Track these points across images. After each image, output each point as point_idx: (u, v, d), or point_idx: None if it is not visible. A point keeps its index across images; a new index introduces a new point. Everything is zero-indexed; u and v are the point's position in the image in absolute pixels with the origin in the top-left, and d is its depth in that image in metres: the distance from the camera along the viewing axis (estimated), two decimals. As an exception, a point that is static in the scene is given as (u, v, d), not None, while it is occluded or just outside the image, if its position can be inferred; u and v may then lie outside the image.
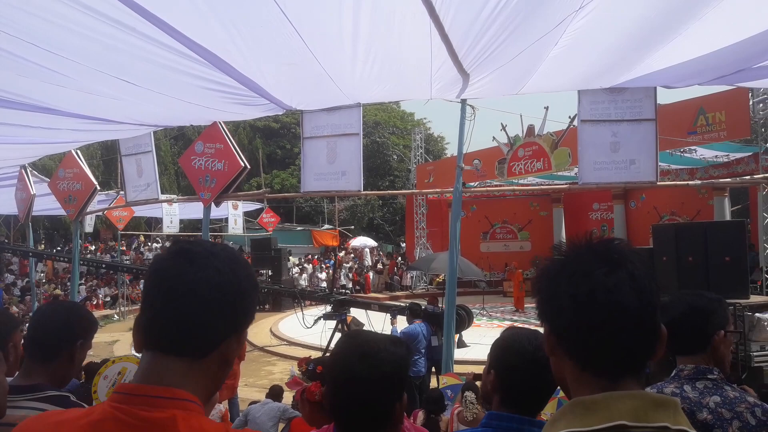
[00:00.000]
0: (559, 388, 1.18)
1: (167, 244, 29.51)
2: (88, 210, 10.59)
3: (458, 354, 8.98)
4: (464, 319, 8.99)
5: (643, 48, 4.71)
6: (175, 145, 35.83)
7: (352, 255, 29.88)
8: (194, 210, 18.30)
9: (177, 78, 4.96)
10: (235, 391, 7.18)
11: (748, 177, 11.78)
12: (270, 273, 19.56)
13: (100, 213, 18.52)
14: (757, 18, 3.90)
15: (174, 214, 19.92)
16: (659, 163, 6.72)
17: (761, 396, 3.84)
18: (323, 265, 26.84)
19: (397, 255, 30.60)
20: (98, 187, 10.35)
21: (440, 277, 20.68)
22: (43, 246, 28.60)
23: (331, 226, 35.08)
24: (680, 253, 6.90)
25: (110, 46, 4.06)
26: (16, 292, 20.20)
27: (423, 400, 6.06)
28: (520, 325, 2.07)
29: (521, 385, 1.60)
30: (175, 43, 4.02)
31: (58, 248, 29.42)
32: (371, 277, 25.06)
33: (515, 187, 18.67)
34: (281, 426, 5.59)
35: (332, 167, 7.36)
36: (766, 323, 6.50)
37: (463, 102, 6.77)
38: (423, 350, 8.04)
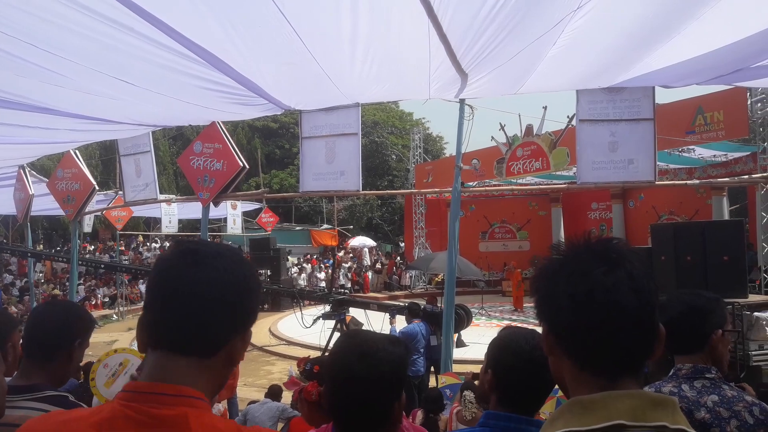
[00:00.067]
0: (557, 387, 1.19)
1: (166, 244, 29.52)
2: (86, 210, 10.58)
3: (457, 353, 8.98)
4: (463, 319, 9.00)
5: (641, 48, 4.72)
6: (174, 145, 35.80)
7: (351, 255, 29.89)
8: (193, 210, 18.30)
9: (175, 78, 4.96)
10: (234, 390, 7.18)
11: (746, 176, 11.80)
12: (269, 273, 19.56)
13: (98, 213, 18.51)
14: (755, 18, 3.90)
15: (173, 214, 19.92)
16: (658, 163, 6.73)
17: (760, 395, 3.85)
18: (322, 265, 26.84)
19: (396, 254, 30.61)
20: (97, 187, 10.33)
21: (439, 276, 20.67)
22: (41, 246, 28.59)
23: (330, 226, 35.10)
24: (679, 253, 6.91)
25: (109, 46, 4.06)
26: (15, 292, 20.18)
27: (422, 399, 6.06)
28: (519, 325, 2.07)
29: (518, 385, 1.60)
30: (173, 43, 4.02)
31: (57, 248, 29.40)
32: (370, 276, 25.06)
33: (514, 187, 18.69)
34: (280, 425, 5.59)
35: (331, 167, 7.35)
36: (764, 322, 6.51)
37: (462, 102, 6.77)
38: (422, 350, 8.05)
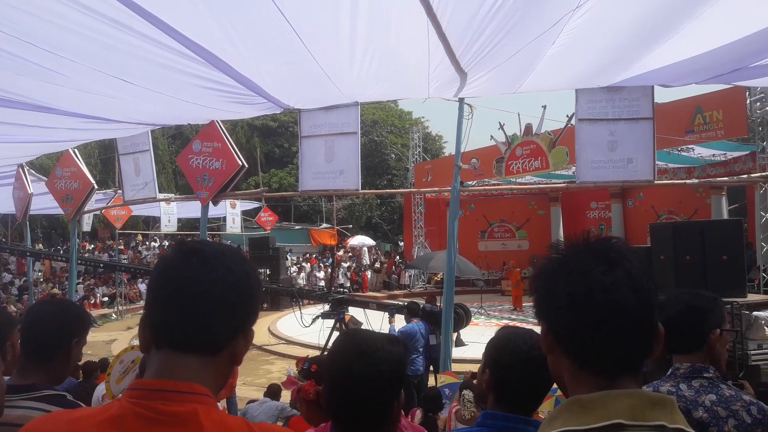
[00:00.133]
0: (556, 386, 1.19)
1: (165, 243, 29.52)
2: (85, 209, 10.59)
3: (456, 353, 8.99)
4: (462, 318, 8.99)
5: (640, 47, 4.72)
6: (173, 144, 35.78)
7: (350, 254, 29.89)
8: (192, 209, 18.30)
9: (175, 77, 4.96)
10: (233, 389, 7.18)
11: (745, 176, 11.80)
12: (268, 272, 19.55)
13: (97, 212, 18.50)
14: (754, 17, 3.91)
15: (172, 213, 19.91)
16: (657, 162, 6.73)
17: (758, 394, 3.85)
18: (321, 264, 26.84)
19: (395, 254, 30.63)
20: (96, 186, 10.33)
21: (438, 275, 20.67)
22: (40, 245, 28.55)
23: (329, 225, 35.08)
24: (678, 252, 6.92)
25: (108, 45, 4.06)
26: (14, 291, 20.18)
27: (421, 398, 6.06)
28: (518, 324, 2.07)
29: (516, 385, 1.60)
30: (172, 42, 4.02)
31: (57, 247, 29.39)
32: (369, 276, 25.07)
33: (513, 186, 18.70)
34: (279, 424, 5.59)
35: (330, 166, 7.36)
36: (763, 322, 6.51)
37: (461, 101, 6.77)
38: (421, 349, 8.05)
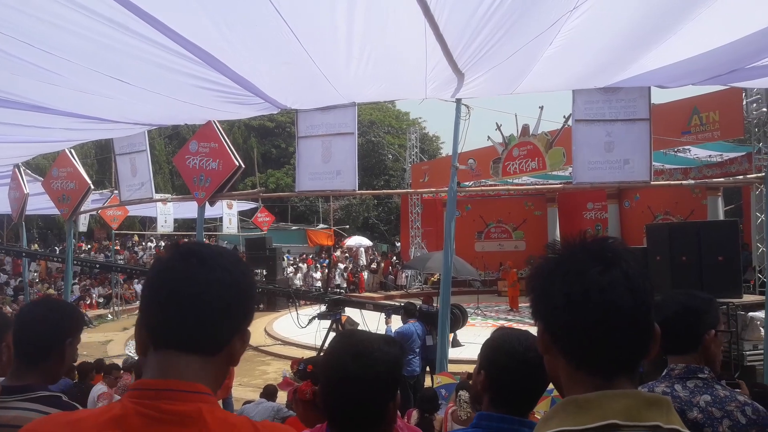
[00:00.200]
0: (552, 386, 1.19)
1: (162, 243, 29.46)
2: (82, 209, 10.57)
3: (452, 353, 9.01)
4: (459, 319, 9.01)
5: (637, 48, 4.73)
6: (170, 144, 35.72)
7: (347, 255, 29.88)
8: (189, 209, 18.26)
9: (171, 77, 4.95)
10: (229, 390, 7.18)
11: (741, 177, 11.83)
12: (265, 272, 19.54)
13: (94, 212, 18.48)
14: (751, 18, 3.92)
15: (168, 213, 19.88)
16: (653, 163, 6.75)
17: (753, 395, 3.86)
18: (318, 265, 26.83)
19: (392, 254, 30.60)
20: (92, 186, 10.32)
21: (435, 276, 20.68)
22: (36, 245, 28.48)
23: (326, 226, 35.04)
24: (674, 253, 6.95)
25: (105, 45, 4.05)
26: (9, 292, 20.12)
27: (417, 399, 6.06)
28: (514, 325, 2.07)
29: (511, 386, 1.60)
30: (169, 41, 4.01)
31: (54, 247, 29.30)
32: (365, 276, 25.06)
33: (510, 187, 18.72)
34: (276, 425, 5.57)
35: (327, 166, 7.36)
36: (758, 322, 6.53)
37: (458, 101, 6.78)
38: (417, 350, 8.05)
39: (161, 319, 1.08)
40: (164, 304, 1.07)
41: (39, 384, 1.84)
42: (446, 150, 41.15)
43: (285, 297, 16.26)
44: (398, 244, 31.45)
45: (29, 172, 11.90)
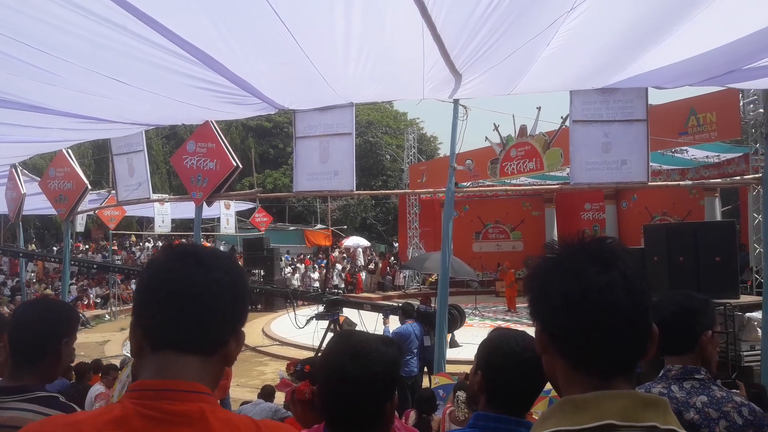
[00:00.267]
0: (549, 386, 1.19)
1: (159, 243, 29.41)
2: (79, 209, 10.55)
3: (450, 354, 9.00)
4: (456, 319, 9.02)
5: (634, 49, 4.73)
6: (167, 145, 35.67)
7: (345, 255, 29.86)
8: (186, 209, 18.24)
9: (169, 77, 4.94)
10: (226, 391, 7.16)
11: (738, 177, 11.87)
12: (262, 273, 19.52)
13: (91, 212, 18.44)
14: (748, 20, 3.93)
15: (166, 213, 19.85)
16: (650, 164, 6.76)
17: (751, 396, 3.87)
18: (316, 265, 26.81)
19: (389, 255, 30.60)
20: (89, 187, 10.31)
21: (433, 276, 20.68)
22: (33, 246, 28.42)
23: (323, 226, 35.01)
24: (671, 253, 6.96)
25: (102, 46, 4.04)
26: (6, 292, 20.08)
27: (415, 399, 6.06)
28: (512, 326, 2.07)
29: (508, 386, 1.60)
30: (167, 42, 4.01)
31: (52, 248, 29.23)
32: (363, 277, 25.04)
33: (507, 187, 18.72)
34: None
35: (325, 167, 7.35)
36: (755, 323, 6.54)
37: (456, 102, 6.78)
38: (415, 350, 8.05)
39: (160, 320, 1.08)
40: (163, 305, 1.07)
41: (36, 384, 1.84)
42: (444, 150, 41.11)
43: (283, 297, 16.28)
44: (396, 245, 31.44)
45: (26, 172, 11.87)
